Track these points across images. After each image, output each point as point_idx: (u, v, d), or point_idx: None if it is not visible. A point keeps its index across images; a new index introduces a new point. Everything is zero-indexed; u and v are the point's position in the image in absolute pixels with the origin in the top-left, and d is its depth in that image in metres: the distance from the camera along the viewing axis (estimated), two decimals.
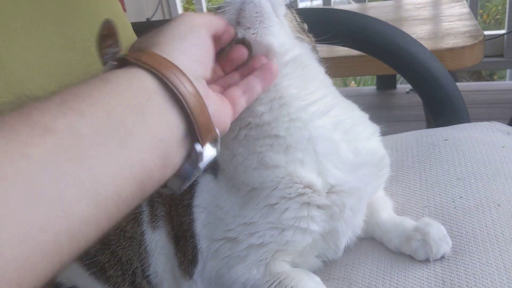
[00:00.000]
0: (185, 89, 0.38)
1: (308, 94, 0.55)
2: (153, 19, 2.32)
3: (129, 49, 0.43)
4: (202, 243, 0.57)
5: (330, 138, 0.55)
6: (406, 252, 0.59)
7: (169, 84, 0.38)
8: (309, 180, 0.53)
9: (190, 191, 0.57)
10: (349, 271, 0.60)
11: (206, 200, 0.57)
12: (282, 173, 0.53)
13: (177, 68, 0.39)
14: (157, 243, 0.59)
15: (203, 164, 0.41)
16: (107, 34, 0.46)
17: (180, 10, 2.57)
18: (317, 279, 0.56)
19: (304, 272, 0.57)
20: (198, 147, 0.40)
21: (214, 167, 0.57)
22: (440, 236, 0.57)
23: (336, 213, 0.56)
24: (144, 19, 2.27)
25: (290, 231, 0.54)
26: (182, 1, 2.85)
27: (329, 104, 0.56)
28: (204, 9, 2.52)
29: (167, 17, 2.52)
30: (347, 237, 0.60)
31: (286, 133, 0.53)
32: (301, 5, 2.77)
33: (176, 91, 0.38)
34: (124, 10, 2.11)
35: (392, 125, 0.59)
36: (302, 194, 0.53)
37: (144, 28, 1.14)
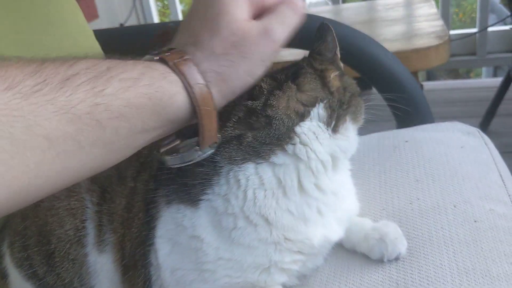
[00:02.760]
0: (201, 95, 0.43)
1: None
2: (126, 24, 2.31)
3: (174, 43, 0.46)
4: (164, 273, 0.54)
5: (344, 194, 0.58)
6: (362, 251, 0.60)
7: (186, 84, 0.42)
8: (311, 232, 0.54)
9: (149, 224, 0.55)
10: (307, 277, 0.59)
11: (172, 231, 0.54)
12: (306, 226, 0.53)
13: (203, 81, 0.43)
14: (103, 266, 0.58)
15: (199, 158, 0.47)
16: (161, 34, 0.50)
17: (155, 15, 2.56)
18: None
19: None
20: (197, 148, 0.46)
21: (188, 197, 0.53)
22: (396, 236, 0.58)
23: (322, 254, 0.59)
24: (117, 25, 2.25)
25: (277, 274, 0.54)
26: (158, 6, 2.84)
27: None
28: (179, 14, 2.52)
29: (141, 22, 2.51)
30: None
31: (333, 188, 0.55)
32: None
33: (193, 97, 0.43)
34: (97, 15, 2.10)
35: (367, 125, 0.61)
36: (301, 242, 0.54)
37: (116, 35, 1.13)
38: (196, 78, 0.43)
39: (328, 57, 0.57)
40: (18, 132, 0.33)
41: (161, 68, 0.42)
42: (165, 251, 0.54)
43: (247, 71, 0.46)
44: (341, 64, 0.59)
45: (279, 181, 0.51)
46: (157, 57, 0.43)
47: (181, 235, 0.53)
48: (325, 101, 0.53)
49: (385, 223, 0.60)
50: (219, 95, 0.45)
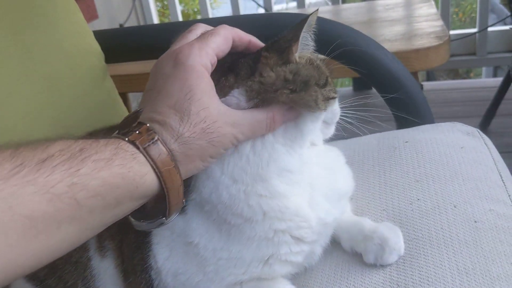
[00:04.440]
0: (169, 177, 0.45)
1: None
2: (126, 25, 2.31)
3: (139, 111, 0.48)
4: (166, 278, 0.54)
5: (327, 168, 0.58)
6: (358, 251, 0.59)
7: (155, 169, 0.44)
8: (306, 213, 0.54)
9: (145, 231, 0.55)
10: (307, 278, 0.59)
11: (168, 237, 0.54)
12: (291, 204, 0.53)
13: (168, 152, 0.45)
14: (106, 270, 0.58)
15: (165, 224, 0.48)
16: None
17: (154, 15, 2.56)
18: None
19: (278, 281, 0.57)
20: (163, 219, 0.47)
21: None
22: (395, 247, 0.58)
23: (320, 241, 0.59)
24: (117, 25, 2.25)
25: (278, 265, 0.54)
26: (157, 6, 2.84)
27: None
28: (179, 14, 2.52)
29: (141, 23, 2.51)
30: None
31: (297, 166, 0.54)
32: (276, 7, 2.79)
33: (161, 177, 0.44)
34: (96, 16, 2.10)
35: (367, 125, 0.61)
36: (299, 228, 0.54)
37: (115, 36, 1.13)
38: (165, 162, 0.44)
39: (276, 45, 0.54)
40: (1, 213, 0.34)
41: (131, 149, 0.43)
42: (164, 255, 0.54)
43: (211, 155, 0.48)
44: (293, 57, 0.53)
45: (232, 172, 0.51)
46: (127, 138, 0.44)
47: (177, 242, 0.54)
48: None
49: (387, 226, 0.60)
50: (185, 173, 0.47)
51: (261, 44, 0.55)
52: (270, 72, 0.51)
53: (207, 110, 0.47)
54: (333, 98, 0.56)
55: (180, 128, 0.45)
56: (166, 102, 0.47)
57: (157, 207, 0.47)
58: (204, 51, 0.49)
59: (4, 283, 0.36)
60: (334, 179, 0.59)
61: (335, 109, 0.58)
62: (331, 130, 0.60)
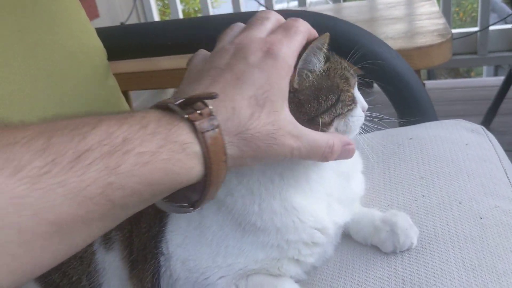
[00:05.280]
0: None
1: None
2: (127, 23, 2.30)
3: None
4: (175, 264, 0.54)
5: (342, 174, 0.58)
6: (373, 243, 0.60)
7: (208, 161, 0.39)
8: (325, 223, 0.55)
9: (161, 219, 0.56)
10: (312, 275, 0.59)
11: (184, 228, 0.55)
12: (307, 217, 0.53)
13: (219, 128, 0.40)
14: (111, 264, 0.58)
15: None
16: None
17: (155, 14, 2.56)
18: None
19: (285, 280, 0.57)
20: (190, 209, 0.43)
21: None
22: (406, 226, 0.58)
23: (332, 242, 0.60)
24: (118, 23, 2.25)
25: (289, 265, 0.55)
26: (158, 5, 2.84)
27: None
28: (180, 13, 2.52)
29: (142, 21, 2.51)
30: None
31: (317, 176, 0.55)
32: (277, 6, 2.78)
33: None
34: (98, 15, 2.10)
35: (369, 123, 0.61)
36: (314, 237, 0.55)
37: (117, 34, 1.13)
38: (218, 155, 0.39)
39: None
40: (26, 220, 0.31)
41: (183, 136, 0.38)
42: (176, 241, 0.55)
43: (264, 158, 0.44)
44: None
45: (252, 186, 0.52)
46: (186, 116, 0.39)
47: (192, 233, 0.55)
48: None
49: (394, 213, 0.60)
50: (230, 167, 0.43)
51: None
52: None
53: (277, 114, 0.43)
54: (342, 113, 0.52)
55: (248, 122, 0.41)
56: (242, 91, 0.42)
57: (185, 193, 0.42)
58: (294, 49, 0.46)
59: (21, 284, 0.34)
60: (349, 186, 0.60)
61: (354, 119, 0.54)
62: (351, 136, 0.56)
